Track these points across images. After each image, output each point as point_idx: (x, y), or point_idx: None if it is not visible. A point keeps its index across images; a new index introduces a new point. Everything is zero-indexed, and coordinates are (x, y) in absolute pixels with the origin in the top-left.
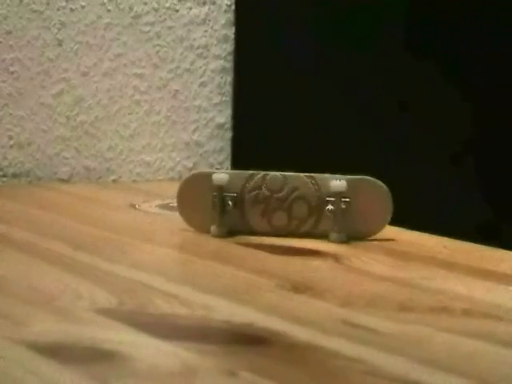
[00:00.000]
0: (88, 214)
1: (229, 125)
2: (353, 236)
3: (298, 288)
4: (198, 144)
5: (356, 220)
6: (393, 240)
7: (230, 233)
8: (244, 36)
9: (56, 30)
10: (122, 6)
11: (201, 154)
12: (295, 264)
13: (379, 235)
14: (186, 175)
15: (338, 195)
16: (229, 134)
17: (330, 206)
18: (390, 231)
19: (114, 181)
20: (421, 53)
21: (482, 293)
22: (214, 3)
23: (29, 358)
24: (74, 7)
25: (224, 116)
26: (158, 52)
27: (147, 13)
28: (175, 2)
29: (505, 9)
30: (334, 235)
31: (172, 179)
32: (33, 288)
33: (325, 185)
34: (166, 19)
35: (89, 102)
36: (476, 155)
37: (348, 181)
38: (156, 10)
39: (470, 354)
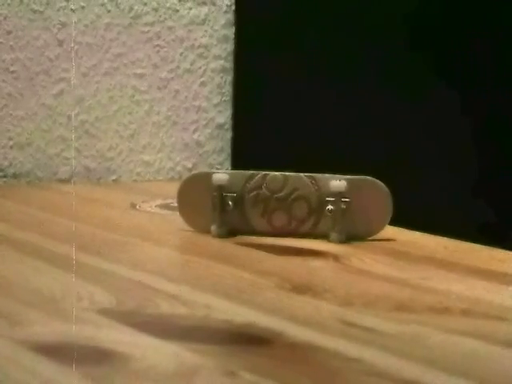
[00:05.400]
0: (88, 214)
1: (229, 125)
2: (353, 236)
3: (298, 288)
4: (198, 144)
5: (356, 220)
6: (393, 240)
7: (230, 233)
8: (244, 36)
9: (56, 30)
10: (121, 6)
11: (201, 155)
12: (295, 264)
13: (379, 235)
14: (186, 175)
15: (338, 195)
16: (229, 134)
17: (330, 206)
18: (390, 231)
19: (114, 181)
20: (423, 53)
21: (482, 293)
22: (214, 3)
23: (29, 358)
24: (74, 7)
25: (224, 116)
26: (158, 52)
27: (147, 13)
28: (175, 2)
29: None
30: (333, 235)
31: (172, 179)
32: (33, 288)
33: (325, 185)
34: (166, 19)
35: (89, 101)
36: (476, 155)
37: (348, 181)
38: (156, 10)
39: (470, 354)
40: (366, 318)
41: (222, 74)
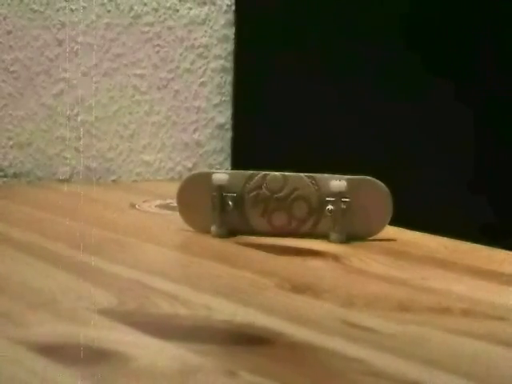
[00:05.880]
0: (88, 214)
1: (229, 125)
2: (353, 236)
3: (298, 288)
4: (198, 144)
5: (356, 220)
6: (393, 240)
7: (230, 233)
8: (244, 36)
9: (56, 30)
10: (122, 6)
11: (201, 155)
12: (295, 264)
13: (379, 235)
14: (186, 175)
15: (338, 195)
16: (229, 135)
17: (330, 206)
18: (390, 231)
19: (113, 181)
20: (423, 53)
21: (482, 293)
22: (214, 3)
23: (29, 358)
24: (74, 7)
25: (224, 116)
26: (158, 52)
27: (147, 13)
28: (175, 2)
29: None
30: (333, 235)
31: (172, 179)
32: (33, 288)
33: (325, 185)
34: (166, 19)
35: (89, 101)
36: (476, 155)
37: (348, 181)
38: (156, 10)
39: (470, 354)
40: (366, 318)
41: (222, 74)
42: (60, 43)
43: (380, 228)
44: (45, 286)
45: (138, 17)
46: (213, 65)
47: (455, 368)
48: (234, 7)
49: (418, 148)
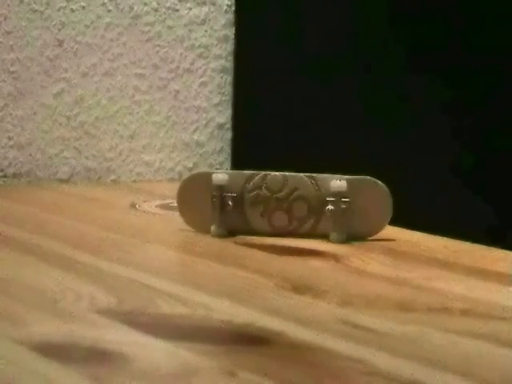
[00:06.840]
0: (88, 213)
1: (229, 125)
2: (353, 236)
3: (298, 288)
4: (198, 144)
5: (356, 220)
6: (393, 240)
7: (230, 233)
8: (244, 36)
9: (56, 30)
10: (121, 6)
11: (201, 155)
12: (295, 264)
13: (379, 235)
14: (186, 175)
15: (338, 195)
16: (229, 135)
17: (330, 206)
18: (390, 231)
19: (113, 181)
20: (425, 53)
21: (482, 293)
22: (214, 3)
23: (29, 358)
24: (74, 7)
25: (224, 116)
26: (158, 52)
27: (147, 13)
28: (175, 2)
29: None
30: (333, 235)
31: (172, 179)
32: (33, 288)
33: (325, 185)
34: (166, 19)
35: (89, 102)
36: (476, 155)
37: (348, 181)
38: (156, 10)
39: (470, 354)
40: (366, 318)
41: (221, 74)
42: (60, 43)
43: (380, 228)
44: (45, 286)
45: (137, 17)
46: (213, 65)
47: (455, 368)
48: (234, 7)
49: (418, 148)
